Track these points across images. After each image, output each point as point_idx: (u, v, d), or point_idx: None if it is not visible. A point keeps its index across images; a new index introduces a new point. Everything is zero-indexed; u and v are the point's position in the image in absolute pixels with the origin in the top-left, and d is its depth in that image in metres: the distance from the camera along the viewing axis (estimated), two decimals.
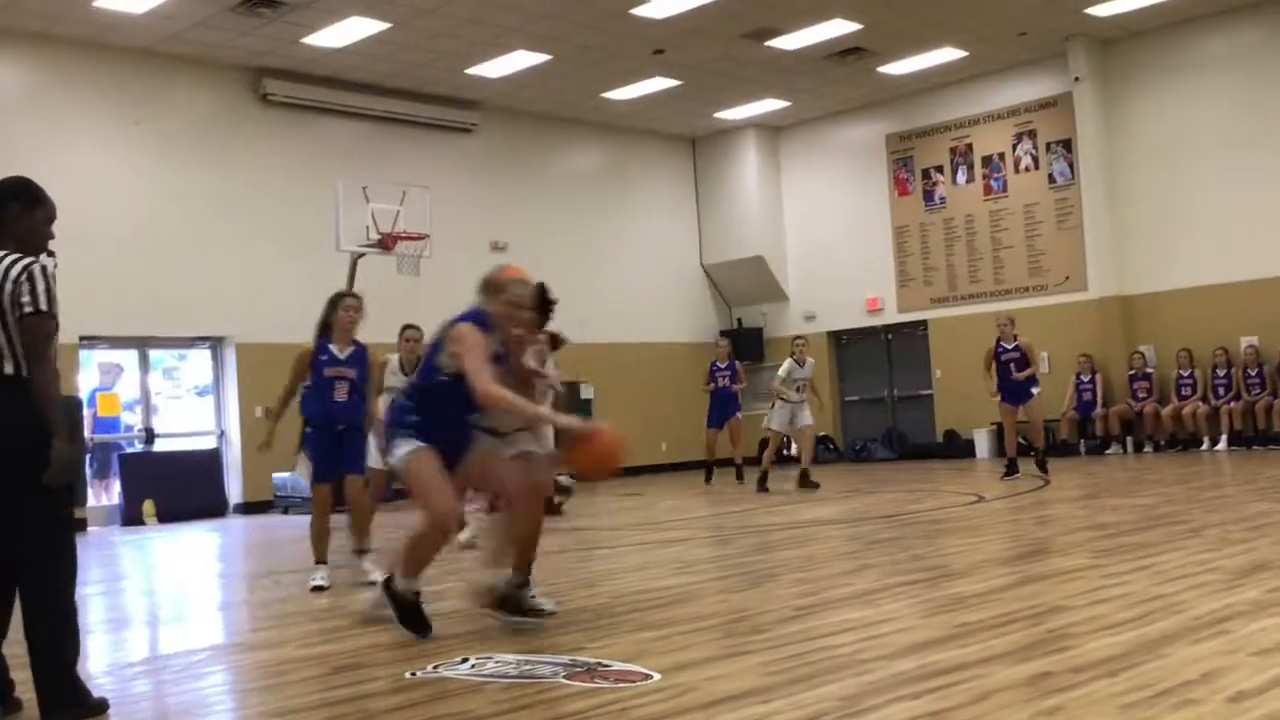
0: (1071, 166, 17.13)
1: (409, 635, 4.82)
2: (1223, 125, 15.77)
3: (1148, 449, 15.99)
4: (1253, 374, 15.33)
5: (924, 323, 18.82)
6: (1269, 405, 15.14)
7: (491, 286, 4.93)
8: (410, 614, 4.88)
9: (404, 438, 4.79)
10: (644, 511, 11.60)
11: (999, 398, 12.57)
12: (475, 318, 4.85)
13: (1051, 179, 17.41)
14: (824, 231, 19.89)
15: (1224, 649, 3.79)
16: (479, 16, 14.13)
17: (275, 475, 14.30)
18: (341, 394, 6.92)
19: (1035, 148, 17.57)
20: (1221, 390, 15.52)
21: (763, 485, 12.79)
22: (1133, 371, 16.22)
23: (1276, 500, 8.46)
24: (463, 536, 8.78)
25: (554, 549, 8.47)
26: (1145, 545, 6.38)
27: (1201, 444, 15.49)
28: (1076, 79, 16.64)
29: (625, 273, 19.55)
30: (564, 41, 15.20)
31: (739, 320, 20.84)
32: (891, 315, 19.24)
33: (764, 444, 19.76)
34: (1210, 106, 15.90)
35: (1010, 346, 12.44)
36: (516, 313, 4.95)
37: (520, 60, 15.83)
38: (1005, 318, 12.85)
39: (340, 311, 6.98)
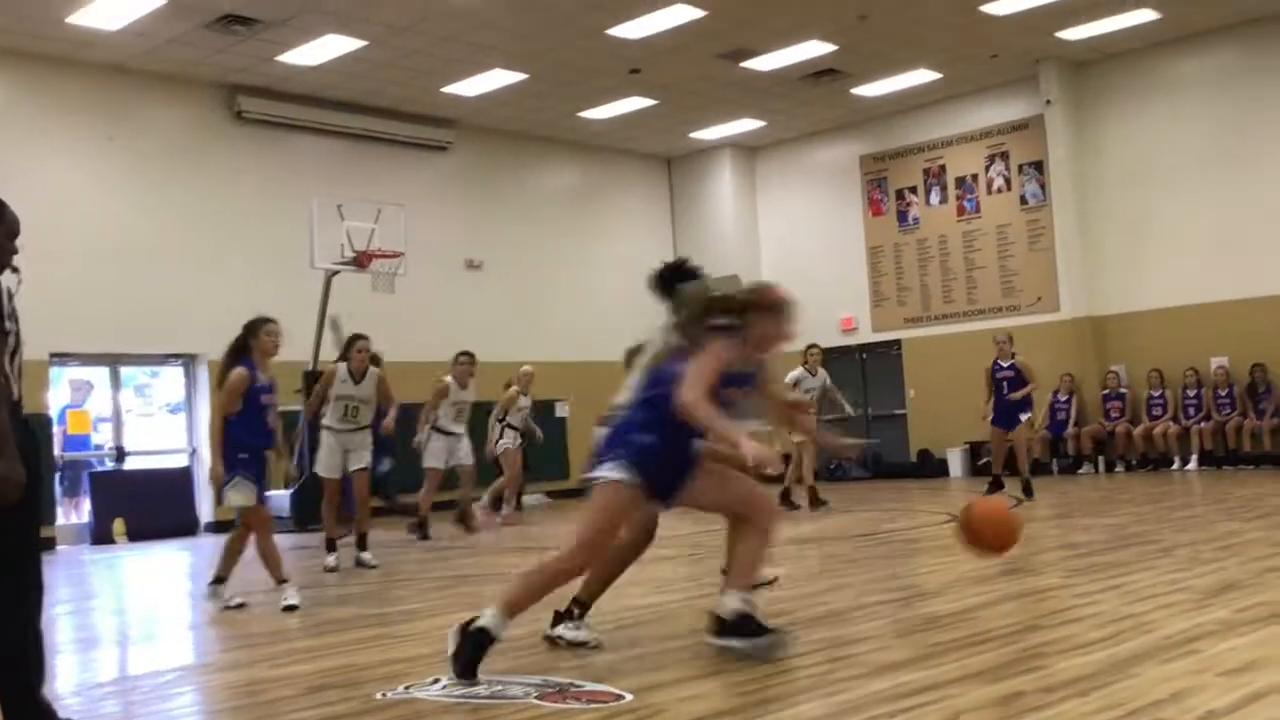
0: (1043, 188, 17.28)
1: (456, 672, 4.19)
2: (1194, 147, 15.95)
3: (1119, 468, 16.09)
4: (1223, 394, 15.47)
5: (898, 342, 18.91)
6: (1239, 425, 15.28)
7: (766, 305, 4.54)
8: (474, 660, 4.20)
9: (619, 461, 4.33)
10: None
11: (989, 419, 12.41)
12: (728, 334, 4.43)
13: (1023, 200, 17.56)
14: (799, 251, 19.96)
15: (1193, 669, 3.81)
16: (455, 35, 14.15)
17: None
18: (272, 419, 7.01)
19: (1007, 169, 17.72)
20: (1192, 410, 15.66)
21: (818, 501, 12.36)
22: (1106, 391, 16.35)
23: (1246, 520, 8.52)
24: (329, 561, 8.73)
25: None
26: (1116, 565, 6.42)
27: (1172, 464, 15.61)
28: (1048, 101, 16.81)
29: (600, 291, 19.54)
30: (541, 60, 15.24)
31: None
32: (866, 335, 19.32)
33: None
34: (1182, 129, 16.08)
35: (1006, 365, 12.26)
36: (785, 337, 4.62)
37: (497, 79, 15.86)
38: (1004, 334, 12.64)
39: (264, 337, 7.00)
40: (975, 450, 17.30)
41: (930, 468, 17.89)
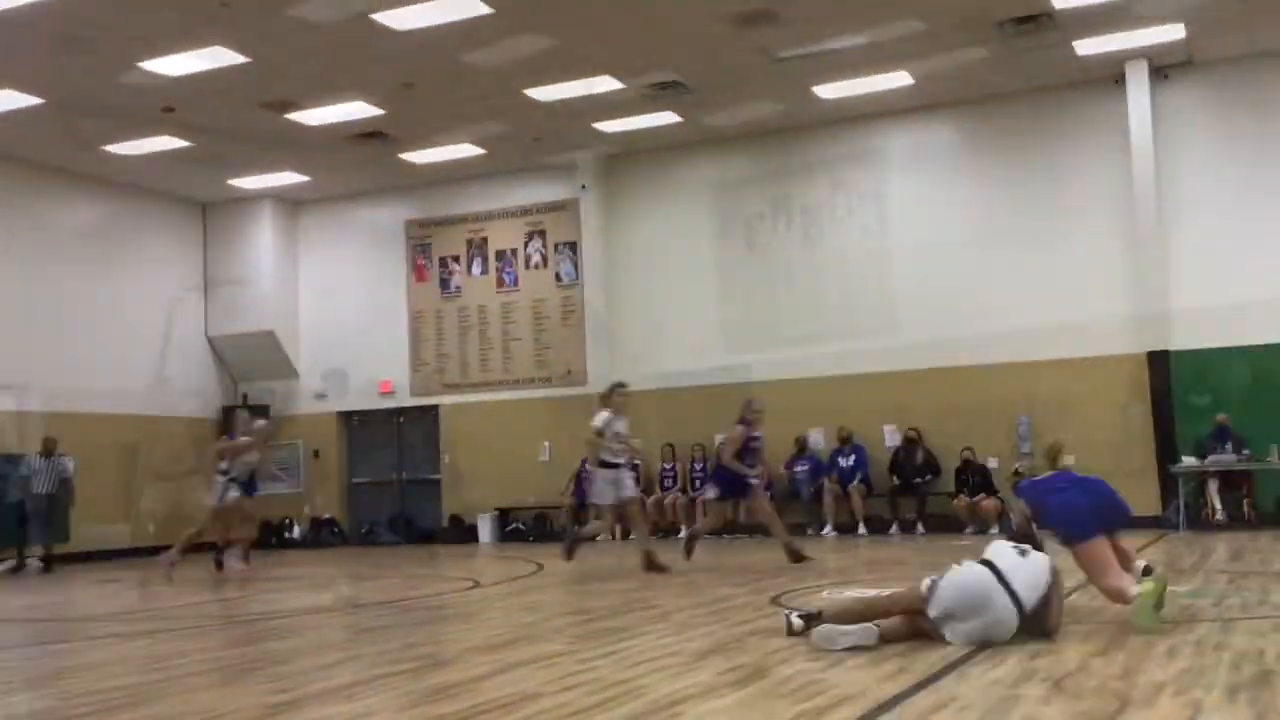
0: (576, 267, 18.21)
1: None
2: (705, 241, 17.50)
3: (634, 535, 17.03)
4: None
5: (435, 407, 19.03)
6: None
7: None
8: None
9: None
10: (119, 600, 10.67)
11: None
12: None
13: (558, 277, 18.40)
14: (340, 311, 19.66)
15: None
16: None
17: None
18: None
19: (545, 247, 18.52)
20: (698, 482, 16.93)
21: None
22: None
23: (736, 585, 9.29)
24: None
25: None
26: (619, 630, 6.75)
27: (680, 532, 16.76)
28: (583, 186, 17.84)
29: (122, 340, 18.13)
30: (60, 86, 14.00)
31: (244, 396, 19.95)
32: (404, 399, 19.29)
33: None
34: (695, 223, 17.61)
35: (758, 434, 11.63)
36: None
37: (7, 101, 14.37)
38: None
39: None
40: (505, 516, 17.81)
41: (461, 533, 18.08)
